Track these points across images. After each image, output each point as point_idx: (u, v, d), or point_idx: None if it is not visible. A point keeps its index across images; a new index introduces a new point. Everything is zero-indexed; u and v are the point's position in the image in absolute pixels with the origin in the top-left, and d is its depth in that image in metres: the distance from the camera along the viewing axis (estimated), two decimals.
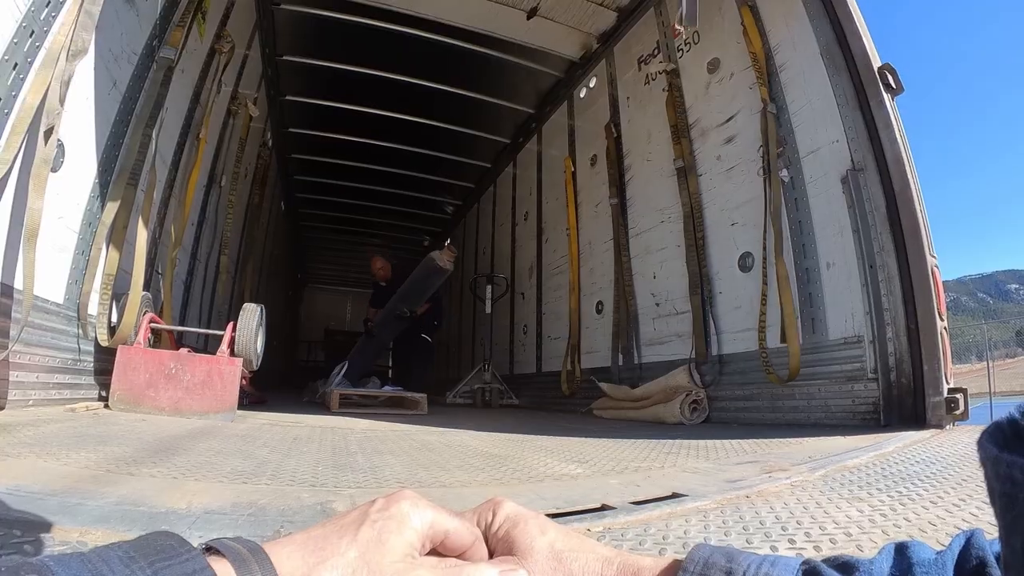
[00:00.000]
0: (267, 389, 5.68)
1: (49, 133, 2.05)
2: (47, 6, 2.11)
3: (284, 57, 5.49)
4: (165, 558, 0.31)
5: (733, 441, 2.28)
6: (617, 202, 4.72)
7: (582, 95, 5.55)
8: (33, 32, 2.07)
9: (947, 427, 2.42)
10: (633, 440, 2.47)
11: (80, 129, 2.47)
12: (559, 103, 5.93)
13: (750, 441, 2.26)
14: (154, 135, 2.94)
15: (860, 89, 2.93)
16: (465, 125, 6.59)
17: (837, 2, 3.05)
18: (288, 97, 6.13)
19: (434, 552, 0.42)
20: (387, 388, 4.64)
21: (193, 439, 1.94)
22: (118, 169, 2.78)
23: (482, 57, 5.37)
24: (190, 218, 3.93)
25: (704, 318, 3.72)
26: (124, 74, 2.79)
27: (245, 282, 5.90)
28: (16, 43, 2.01)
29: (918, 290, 2.62)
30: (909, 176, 2.72)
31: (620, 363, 4.51)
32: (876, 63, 2.88)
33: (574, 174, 5.46)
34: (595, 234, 5.09)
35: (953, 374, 2.62)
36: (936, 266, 2.66)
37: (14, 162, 1.94)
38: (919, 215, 2.67)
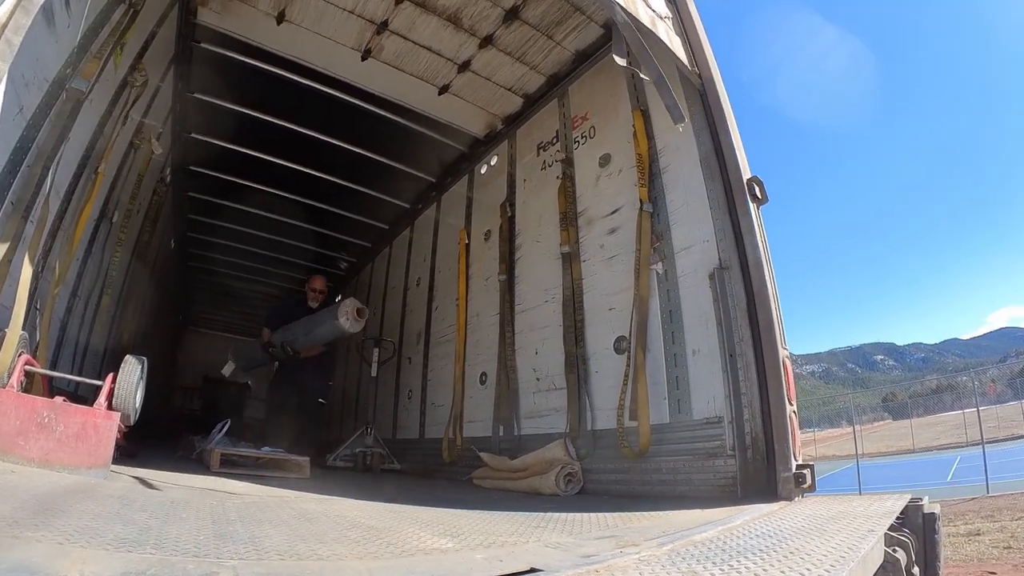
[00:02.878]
0: (138, 438, 5.37)
1: None
2: None
3: (195, 95, 5.47)
4: None
5: (600, 514, 2.47)
6: (506, 279, 4.97)
7: (483, 171, 5.86)
8: None
9: (795, 499, 2.75)
10: (506, 512, 2.58)
11: None
12: (460, 175, 6.19)
13: (615, 515, 2.45)
14: (53, 167, 2.87)
15: (730, 196, 3.34)
16: (367, 185, 6.72)
17: (718, 118, 3.49)
18: (194, 135, 6.03)
19: None
20: (266, 449, 4.51)
21: (70, 499, 1.85)
22: (12, 200, 2.66)
23: (391, 123, 5.58)
24: (77, 253, 3.77)
25: (579, 395, 3.97)
26: (32, 101, 2.71)
27: (126, 323, 5.61)
28: None
29: (770, 378, 3.00)
30: (766, 277, 3.12)
31: (501, 434, 4.65)
32: (746, 175, 3.31)
33: (468, 246, 5.69)
34: (483, 307, 5.30)
35: (801, 450, 2.98)
36: (788, 357, 3.06)
37: None
38: (774, 312, 3.07)
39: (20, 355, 2.68)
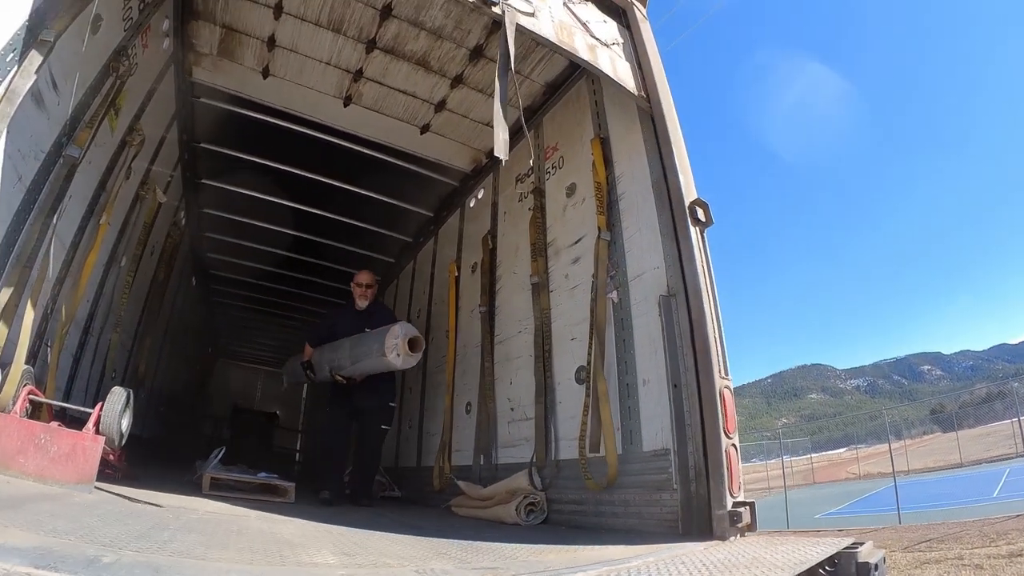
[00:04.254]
0: (163, 464, 5.69)
1: None
2: None
3: (201, 144, 5.86)
4: None
5: (518, 545, 2.59)
6: (486, 310, 5.11)
7: (471, 204, 6.05)
8: None
9: (731, 538, 2.67)
10: (427, 539, 2.72)
11: None
12: (454, 209, 6.40)
13: (532, 547, 2.56)
14: (53, 222, 3.22)
15: (675, 221, 3.33)
16: (370, 222, 6.99)
17: (663, 139, 3.52)
18: (204, 180, 6.44)
19: None
20: (263, 475, 4.75)
21: (41, 502, 2.17)
22: (16, 254, 2.98)
23: (384, 162, 5.85)
24: (87, 295, 4.11)
25: (546, 425, 4.05)
26: (30, 169, 3.04)
27: (141, 357, 6.00)
28: None
29: (706, 410, 2.94)
30: (706, 304, 3.07)
31: (481, 462, 4.76)
32: (689, 198, 3.28)
33: (457, 279, 5.87)
34: (469, 338, 5.45)
35: (741, 486, 2.90)
36: (727, 387, 2.99)
37: None
38: (712, 340, 3.00)
39: (24, 386, 3.05)
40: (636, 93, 3.65)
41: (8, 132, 2.63)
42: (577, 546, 2.59)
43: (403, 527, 3.10)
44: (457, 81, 4.90)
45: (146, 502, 3.01)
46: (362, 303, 5.57)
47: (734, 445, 2.93)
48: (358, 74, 4.90)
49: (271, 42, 4.69)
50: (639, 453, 3.32)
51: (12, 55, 2.60)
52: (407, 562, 2.04)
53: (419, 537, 2.76)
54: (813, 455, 35.90)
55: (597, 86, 4.26)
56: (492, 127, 5.19)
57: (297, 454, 11.76)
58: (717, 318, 3.13)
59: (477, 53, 4.62)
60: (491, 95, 4.85)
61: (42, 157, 3.14)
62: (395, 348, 4.80)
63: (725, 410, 2.94)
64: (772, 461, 29.27)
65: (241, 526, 2.58)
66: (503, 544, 2.64)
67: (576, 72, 4.49)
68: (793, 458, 32.27)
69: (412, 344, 4.89)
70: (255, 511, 3.41)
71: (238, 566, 1.64)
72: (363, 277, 5.62)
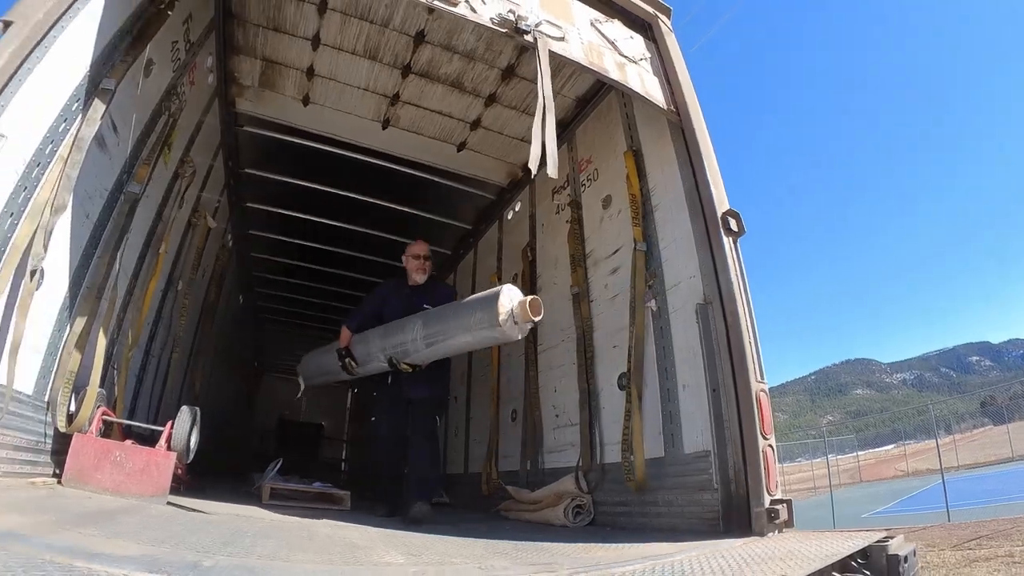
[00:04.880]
0: (215, 476, 5.95)
1: (33, 273, 2.56)
2: (37, 167, 2.65)
3: (246, 170, 6.15)
4: None
5: (569, 544, 2.73)
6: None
7: (509, 217, 6.22)
8: (26, 188, 2.61)
9: (769, 535, 2.78)
10: (484, 540, 2.87)
11: (57, 255, 2.95)
12: (492, 222, 6.57)
13: (582, 545, 2.70)
14: (119, 255, 3.47)
15: (708, 231, 3.44)
16: (411, 237, 7.05)
17: (693, 151, 3.62)
18: (249, 204, 6.75)
19: None
20: (317, 484, 4.95)
21: (123, 514, 2.39)
22: (86, 285, 3.26)
23: (422, 180, 6.05)
24: (148, 319, 4.39)
25: (591, 430, 4.19)
26: (95, 208, 3.30)
27: (196, 375, 6.29)
28: (13, 198, 2.55)
29: (744, 412, 3.06)
30: (741, 311, 3.19)
31: (528, 468, 4.92)
32: (722, 208, 3.39)
33: None
34: (512, 348, 5.55)
35: (778, 484, 2.99)
36: (763, 390, 3.11)
37: (3, 292, 2.44)
38: (747, 345, 3.13)
39: (98, 408, 3.32)
40: (665, 107, 3.76)
41: (77, 176, 2.87)
42: (623, 544, 2.74)
43: (459, 530, 3.26)
44: (491, 100, 5.07)
45: (218, 512, 3.23)
46: (419, 277, 4.81)
47: (771, 445, 3.04)
48: (395, 98, 5.11)
49: (310, 72, 4.93)
50: (681, 455, 3.44)
51: (76, 104, 2.85)
52: (469, 560, 2.20)
53: (475, 539, 2.92)
54: (859, 453, 35.12)
55: (627, 100, 4.38)
56: (526, 142, 5.41)
57: (343, 464, 12.00)
58: (752, 324, 3.24)
59: (509, 72, 4.79)
60: (524, 111, 5.12)
61: (105, 195, 3.40)
62: (510, 314, 3.83)
63: (761, 412, 3.05)
64: (817, 460, 28.85)
65: (310, 532, 2.77)
66: (554, 543, 2.80)
67: (606, 86, 4.60)
68: (839, 456, 31.63)
69: (534, 307, 3.84)
70: (318, 519, 3.59)
71: (321, 567, 1.84)
72: (420, 247, 4.88)
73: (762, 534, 2.79)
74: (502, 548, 2.58)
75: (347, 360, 4.77)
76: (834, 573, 2.11)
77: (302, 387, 6.20)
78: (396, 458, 4.67)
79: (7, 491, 2.30)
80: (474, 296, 4.30)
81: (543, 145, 3.22)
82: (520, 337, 4.09)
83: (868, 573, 2.24)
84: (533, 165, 3.20)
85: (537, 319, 3.89)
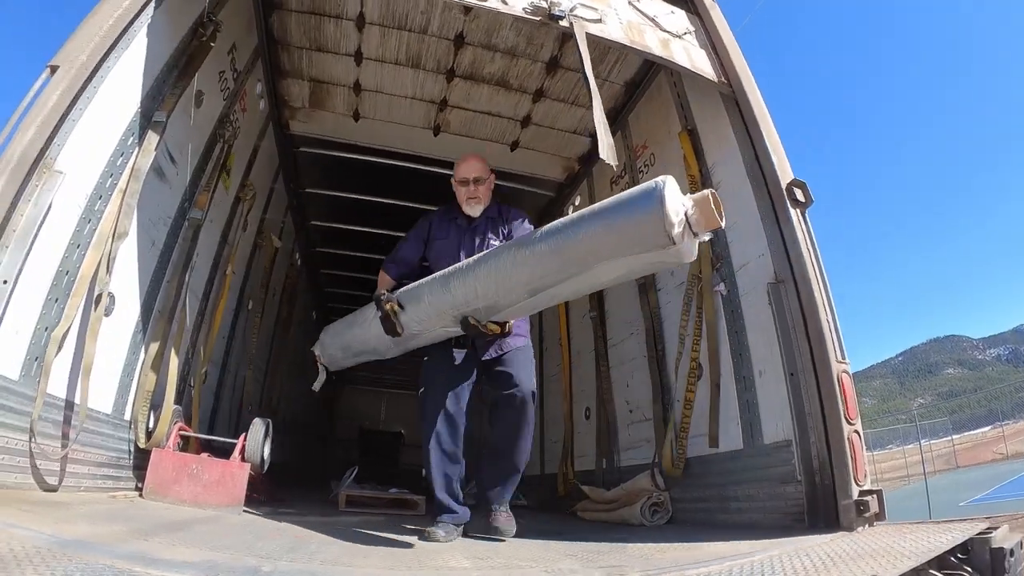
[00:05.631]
0: (297, 487, 6.12)
1: (99, 298, 2.70)
2: (99, 199, 2.78)
3: (307, 190, 6.32)
4: None
5: (639, 544, 2.61)
6: (596, 315, 5.14)
7: (570, 211, 6.08)
8: (90, 220, 2.74)
9: (858, 529, 2.57)
10: (551, 542, 2.82)
11: (127, 282, 3.11)
12: (553, 218, 6.45)
13: (656, 545, 2.58)
14: (186, 279, 3.61)
15: (774, 205, 3.25)
16: None
17: (750, 122, 3.44)
18: (314, 222, 6.94)
19: None
20: (393, 490, 5.01)
21: (199, 523, 2.52)
22: (157, 309, 3.43)
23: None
24: (221, 334, 4.59)
25: (665, 424, 4.03)
26: (160, 234, 3.45)
27: (273, 390, 6.53)
28: (78, 230, 2.68)
29: (825, 397, 2.83)
30: (815, 288, 2.96)
31: (604, 466, 4.80)
32: (785, 179, 3.20)
33: None
34: (582, 344, 5.50)
35: (867, 474, 2.76)
36: (846, 371, 2.87)
37: (75, 318, 2.57)
38: (825, 324, 2.90)
39: (175, 423, 3.49)
40: (717, 80, 3.58)
41: (139, 206, 2.99)
42: (700, 543, 2.58)
43: (531, 532, 3.18)
44: (538, 95, 4.99)
45: (291, 520, 3.29)
46: (471, 208, 3.31)
47: (857, 432, 2.80)
48: (443, 103, 5.11)
49: (357, 87, 4.99)
50: (760, 446, 3.24)
51: (132, 138, 2.97)
52: (536, 563, 2.15)
53: (547, 541, 2.86)
54: (954, 436, 32.66)
55: (677, 78, 4.20)
56: (579, 135, 5.33)
57: (423, 470, 12.20)
58: (828, 300, 3.01)
59: (553, 65, 4.69)
60: (573, 103, 5.03)
61: (169, 223, 3.54)
62: (684, 222, 2.32)
63: (845, 395, 2.82)
64: (909, 446, 27.08)
65: (378, 537, 2.78)
66: (628, 544, 2.67)
67: (654, 67, 4.44)
68: (932, 441, 29.55)
69: (716, 205, 2.37)
70: (390, 523, 3.61)
71: (380, 572, 1.85)
72: (469, 166, 3.35)
73: (851, 528, 2.60)
74: (572, 550, 2.50)
75: (391, 307, 2.86)
76: (931, 571, 1.92)
77: (322, 375, 4.09)
78: (457, 456, 3.12)
79: (85, 504, 2.42)
80: (604, 206, 2.52)
81: (599, 133, 3.08)
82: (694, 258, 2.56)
83: (970, 570, 2.04)
84: (604, 153, 3.02)
85: (723, 224, 2.41)
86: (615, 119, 4.93)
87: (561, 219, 2.67)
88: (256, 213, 5.06)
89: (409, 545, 2.52)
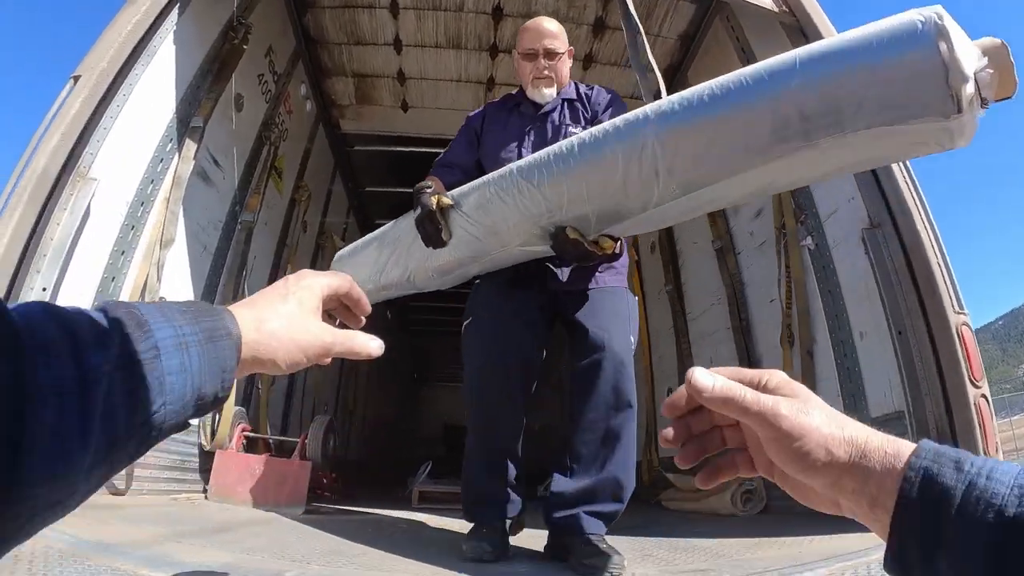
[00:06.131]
0: (378, 485, 6.13)
1: None
2: (141, 205, 2.75)
3: (367, 189, 6.32)
4: (205, 313, 0.49)
5: (728, 540, 2.31)
6: (672, 287, 4.82)
7: None
8: (134, 226, 2.71)
9: None
10: (639, 538, 2.48)
11: (179, 286, 3.09)
12: None
13: (745, 541, 2.27)
14: (243, 282, 3.59)
15: None
16: None
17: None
18: (377, 221, 6.89)
19: (340, 305, 0.66)
20: None
21: (249, 525, 2.48)
22: None
23: None
24: None
25: None
26: (212, 239, 3.44)
27: (349, 389, 6.57)
28: (121, 236, 2.65)
29: (943, 356, 2.37)
30: (921, 229, 2.51)
31: None
32: None
33: (638, 262, 5.53)
34: (660, 323, 5.17)
35: (999, 447, 2.34)
36: (966, 324, 2.40)
37: None
38: (936, 270, 2.43)
39: (238, 425, 3.49)
40: (776, 9, 3.18)
41: (184, 211, 2.95)
42: (800, 537, 2.20)
43: (612, 526, 2.93)
44: (588, 60, 4.70)
45: (352, 519, 3.21)
46: (540, 93, 2.37)
47: (984, 396, 2.32)
48: (490, 82, 4.93)
49: (401, 76, 4.88)
50: (866, 420, 2.73)
51: (171, 145, 2.94)
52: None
53: (624, 537, 2.55)
54: None
55: (734, 21, 3.82)
56: (635, 98, 4.96)
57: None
58: (937, 242, 2.51)
59: (599, 26, 4.40)
60: (625, 66, 4.68)
61: (220, 226, 3.51)
62: (975, 88, 1.35)
63: (968, 353, 2.34)
64: (1017, 417, 24.65)
65: (437, 536, 2.64)
66: (715, 540, 2.36)
67: (707, 14, 4.11)
68: None
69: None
70: (459, 520, 3.43)
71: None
72: (539, 32, 2.38)
73: None
74: (651, 548, 2.23)
75: (437, 201, 1.94)
76: None
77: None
78: (515, 437, 2.17)
79: (141, 507, 2.40)
80: (837, 44, 1.52)
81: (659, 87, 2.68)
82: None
83: None
84: None
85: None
86: (672, 77, 4.58)
87: (750, 67, 1.65)
88: (315, 215, 5.04)
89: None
